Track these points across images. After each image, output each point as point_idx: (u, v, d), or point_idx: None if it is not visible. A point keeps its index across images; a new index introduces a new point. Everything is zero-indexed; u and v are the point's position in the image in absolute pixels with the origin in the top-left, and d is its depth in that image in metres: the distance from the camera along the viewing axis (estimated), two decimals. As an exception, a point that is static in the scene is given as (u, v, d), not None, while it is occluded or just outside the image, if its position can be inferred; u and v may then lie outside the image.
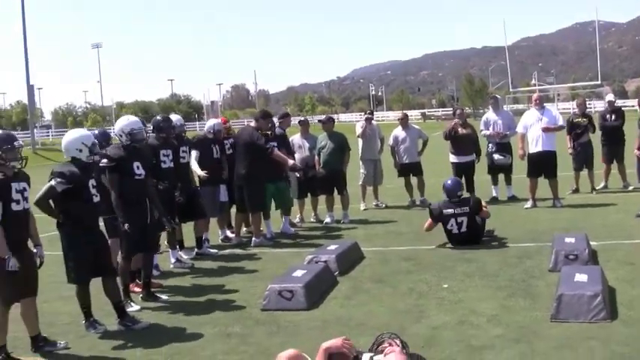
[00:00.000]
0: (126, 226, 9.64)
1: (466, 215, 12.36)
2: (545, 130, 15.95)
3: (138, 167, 9.87)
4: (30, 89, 68.46)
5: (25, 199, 7.82)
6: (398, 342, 6.15)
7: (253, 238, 13.92)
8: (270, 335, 8.18)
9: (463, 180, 17.30)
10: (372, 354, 5.93)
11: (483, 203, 13.12)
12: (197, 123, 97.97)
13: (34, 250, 8.10)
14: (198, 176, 13.34)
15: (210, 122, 14.66)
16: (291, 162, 14.30)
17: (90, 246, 8.58)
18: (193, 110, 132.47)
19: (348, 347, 5.89)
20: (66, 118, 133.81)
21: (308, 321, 8.62)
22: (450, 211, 12.46)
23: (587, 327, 7.65)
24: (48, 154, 53.69)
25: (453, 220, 12.40)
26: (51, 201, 8.40)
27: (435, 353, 6.71)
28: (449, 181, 12.98)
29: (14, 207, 7.65)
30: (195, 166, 13.27)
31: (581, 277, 8.57)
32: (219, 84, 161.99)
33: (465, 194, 12.50)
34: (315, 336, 7.83)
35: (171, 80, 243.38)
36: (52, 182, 8.26)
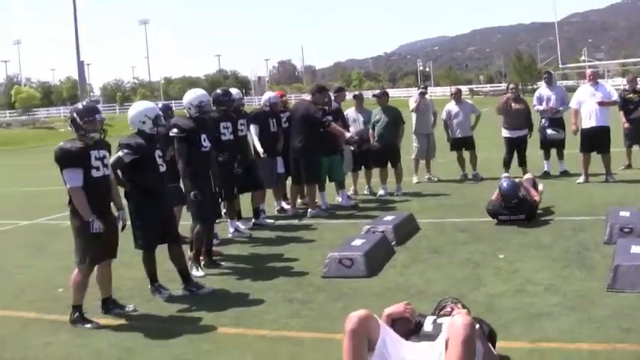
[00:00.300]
0: (192, 194, 9.94)
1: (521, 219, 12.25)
2: (601, 104, 15.98)
3: (204, 139, 10.18)
4: (80, 65, 69.01)
5: (105, 166, 8.15)
6: (460, 306, 6.37)
7: (309, 210, 14.17)
8: (332, 301, 8.42)
9: (515, 155, 17.49)
10: (435, 317, 6.16)
11: (540, 188, 13.19)
12: (244, 98, 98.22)
13: (117, 214, 8.46)
14: (257, 152, 13.58)
15: (266, 95, 14.87)
16: (347, 134, 14.52)
17: (156, 214, 8.88)
18: (241, 86, 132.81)
19: (410, 312, 6.12)
20: (114, 94, 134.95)
21: (368, 288, 8.86)
22: (505, 217, 12.27)
23: (643, 297, 7.80)
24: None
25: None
26: (119, 171, 8.71)
27: (493, 319, 6.90)
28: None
29: (94, 174, 7.97)
30: (256, 142, 13.58)
31: (637, 249, 8.69)
32: (267, 59, 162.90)
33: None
34: (376, 302, 8.06)
35: (219, 56, 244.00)
36: (120, 153, 8.58)
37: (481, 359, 5.55)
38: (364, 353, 5.36)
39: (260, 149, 13.59)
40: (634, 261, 8.24)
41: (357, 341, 5.34)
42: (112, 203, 8.41)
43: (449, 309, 6.36)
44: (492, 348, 5.99)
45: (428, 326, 5.93)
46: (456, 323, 5.22)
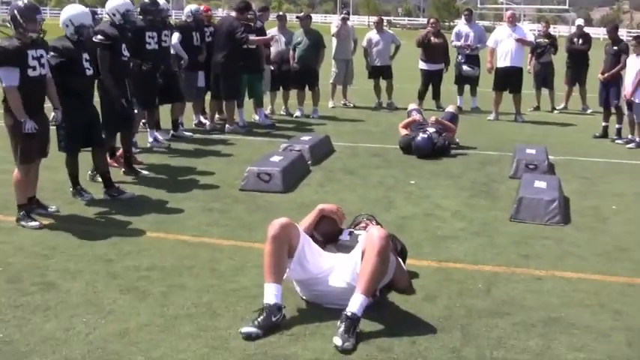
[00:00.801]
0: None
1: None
2: (518, 40, 16.49)
3: (124, 49, 10.19)
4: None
5: (42, 65, 8.11)
6: (374, 222, 6.76)
7: (227, 125, 14.37)
8: (250, 212, 8.76)
9: (430, 87, 17.95)
10: (351, 229, 6.55)
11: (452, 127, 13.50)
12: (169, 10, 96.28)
13: (52, 114, 8.54)
14: (179, 61, 13.67)
15: (189, 7, 14.84)
16: (267, 37, 14.89)
17: (82, 117, 8.96)
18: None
19: (340, 215, 6.51)
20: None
21: (284, 202, 9.22)
22: None
23: (542, 228, 8.35)
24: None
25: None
26: None
27: (404, 239, 7.27)
28: (419, 140, 12.43)
29: (30, 73, 7.93)
30: (178, 48, 13.59)
31: (540, 184, 9.27)
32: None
33: (438, 141, 12.49)
34: (292, 215, 8.26)
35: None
36: (47, 56, 8.57)
37: (393, 271, 5.96)
38: (284, 258, 5.71)
39: (184, 55, 13.63)
40: (536, 194, 8.79)
41: (278, 246, 5.67)
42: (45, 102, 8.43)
43: (364, 224, 6.75)
44: (403, 263, 6.41)
45: (345, 237, 6.31)
46: (372, 235, 5.58)
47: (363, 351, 5.14)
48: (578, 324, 5.70)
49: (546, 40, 19.00)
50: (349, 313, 5.27)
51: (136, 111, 11.05)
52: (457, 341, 5.34)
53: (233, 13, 14.60)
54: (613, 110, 14.88)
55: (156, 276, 6.54)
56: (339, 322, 5.26)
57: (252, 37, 14.08)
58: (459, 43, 18.16)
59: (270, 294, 5.52)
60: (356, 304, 5.33)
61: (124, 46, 10.14)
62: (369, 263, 5.44)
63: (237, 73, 14.18)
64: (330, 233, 6.41)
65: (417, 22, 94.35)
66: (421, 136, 12.41)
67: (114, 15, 10.39)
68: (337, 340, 5.14)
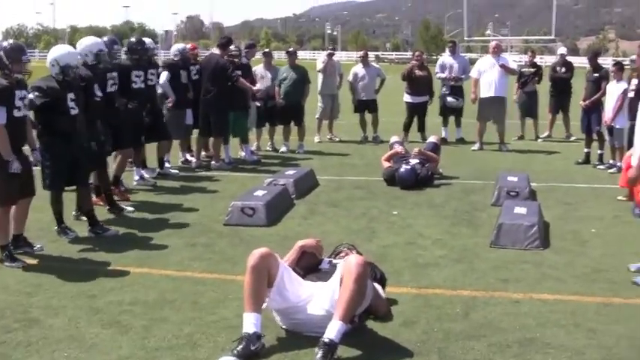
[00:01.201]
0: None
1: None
2: (502, 66, 16.72)
3: (97, 89, 10.09)
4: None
5: (26, 106, 8.27)
6: (354, 252, 6.86)
7: (212, 162, 14.48)
8: (233, 246, 8.84)
9: (415, 119, 18.13)
10: (331, 259, 6.65)
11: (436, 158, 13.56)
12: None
13: (30, 154, 8.64)
14: (166, 99, 13.82)
15: (176, 46, 15.09)
16: (255, 88, 14.89)
17: (66, 156, 9.02)
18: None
19: (319, 249, 6.62)
20: (17, 39, 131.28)
21: (268, 236, 9.30)
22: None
23: (522, 253, 8.48)
24: None
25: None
26: (31, 113, 8.87)
27: (385, 267, 7.37)
28: (402, 171, 12.53)
29: (16, 113, 8.04)
30: (167, 87, 13.79)
31: (520, 210, 9.40)
32: (175, 13, 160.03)
33: (421, 172, 12.62)
34: (275, 248, 8.38)
35: (127, 7, 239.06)
36: (31, 95, 8.58)
37: (371, 297, 6.04)
38: (263, 287, 5.80)
39: (172, 95, 13.81)
40: (516, 220, 8.92)
41: (257, 276, 5.77)
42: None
43: (343, 254, 6.84)
44: (382, 290, 6.50)
45: (324, 265, 6.42)
46: (350, 262, 5.68)
47: (341, 376, 5.22)
48: (554, 343, 5.80)
49: (531, 70, 19.29)
50: (327, 340, 5.35)
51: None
52: (433, 364, 5.43)
53: (217, 51, 14.77)
54: (595, 136, 15.06)
55: (138, 310, 6.61)
56: (316, 349, 5.35)
57: (241, 80, 14.29)
58: (443, 75, 18.34)
59: (249, 323, 5.61)
60: (333, 330, 5.41)
61: (96, 86, 10.12)
62: (347, 289, 5.53)
63: (227, 110, 14.34)
64: (310, 266, 6.52)
65: (405, 56, 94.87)
66: (404, 167, 12.51)
67: (86, 55, 10.46)
68: None
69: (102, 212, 10.28)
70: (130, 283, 7.41)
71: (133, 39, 12.67)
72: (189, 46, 15.63)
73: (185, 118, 14.37)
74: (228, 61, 14.31)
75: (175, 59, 14.41)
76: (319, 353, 5.29)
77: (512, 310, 6.60)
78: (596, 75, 15.45)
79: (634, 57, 12.45)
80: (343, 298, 5.53)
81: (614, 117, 13.56)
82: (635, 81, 12.73)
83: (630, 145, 8.61)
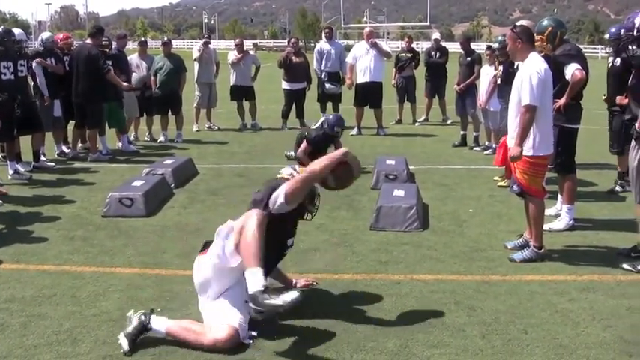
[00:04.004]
0: None
1: None
2: (374, 45, 17.03)
3: None
4: None
5: None
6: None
7: (90, 154, 14.21)
8: (112, 238, 8.68)
9: (294, 106, 18.16)
10: None
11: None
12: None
13: None
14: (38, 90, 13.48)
15: (41, 35, 14.85)
16: (125, 84, 14.65)
17: None
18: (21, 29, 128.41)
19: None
20: None
21: (147, 226, 9.19)
22: None
23: (401, 235, 8.62)
24: None
25: None
26: None
27: (266, 254, 7.37)
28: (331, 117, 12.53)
29: None
30: (42, 82, 13.53)
31: (398, 193, 9.53)
32: (48, 3, 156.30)
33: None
34: (155, 239, 8.53)
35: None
36: None
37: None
38: None
39: (46, 92, 13.55)
40: (395, 202, 9.02)
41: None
42: None
43: None
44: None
45: None
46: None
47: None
48: (435, 322, 5.91)
49: (408, 55, 19.58)
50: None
51: None
52: (318, 348, 5.44)
53: (89, 40, 14.48)
54: (470, 119, 15.37)
55: (15, 307, 6.42)
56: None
57: (112, 73, 14.06)
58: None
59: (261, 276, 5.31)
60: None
61: None
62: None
63: (100, 101, 14.06)
64: None
65: (283, 44, 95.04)
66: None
67: None
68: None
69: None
70: (6, 280, 7.18)
71: (0, 29, 12.30)
72: (61, 36, 15.29)
73: (53, 109, 14.03)
74: (100, 51, 14.04)
75: (40, 50, 14.07)
76: None
77: (393, 291, 6.67)
78: (468, 59, 15.75)
79: (500, 38, 12.68)
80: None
81: (487, 100, 13.84)
82: (501, 67, 12.96)
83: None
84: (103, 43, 14.63)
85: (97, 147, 14.31)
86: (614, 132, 10.89)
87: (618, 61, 10.54)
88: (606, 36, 11.29)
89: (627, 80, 9.05)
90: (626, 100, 9.48)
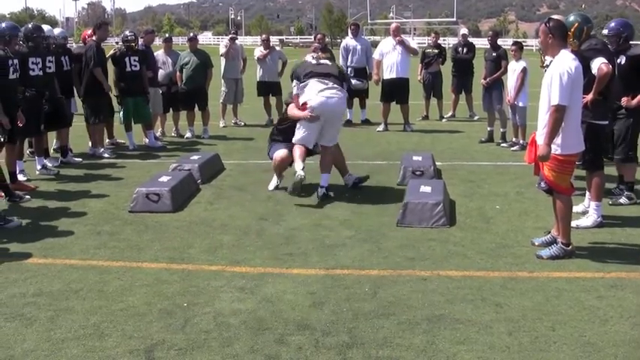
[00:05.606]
0: None
1: None
2: (401, 42, 16.92)
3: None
4: None
5: None
6: None
7: (92, 148, 14.40)
8: (139, 233, 8.70)
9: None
10: None
11: None
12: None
13: None
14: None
15: (54, 31, 14.59)
16: (106, 84, 14.26)
17: None
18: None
19: None
20: None
21: (174, 221, 9.19)
22: None
23: (428, 231, 8.58)
24: None
25: None
26: None
27: (292, 249, 7.42)
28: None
29: None
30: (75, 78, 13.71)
31: (425, 189, 9.48)
32: (76, 0, 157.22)
33: None
34: (182, 234, 8.55)
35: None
36: None
37: None
38: None
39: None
40: (421, 199, 8.98)
41: None
42: None
43: None
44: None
45: None
46: None
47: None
48: (462, 319, 5.87)
49: (434, 51, 19.51)
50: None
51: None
52: (344, 343, 5.43)
53: (94, 37, 14.45)
54: (497, 115, 15.29)
55: (42, 302, 6.45)
56: None
57: (97, 70, 13.93)
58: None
59: None
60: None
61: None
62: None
63: (98, 96, 14.10)
64: None
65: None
66: None
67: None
68: None
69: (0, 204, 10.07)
70: (34, 275, 7.23)
71: (29, 25, 12.35)
72: (89, 32, 15.28)
73: (70, 106, 13.97)
74: (125, 46, 14.14)
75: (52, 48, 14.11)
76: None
77: (419, 287, 6.65)
78: (494, 54, 15.67)
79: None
80: None
81: (516, 95, 13.76)
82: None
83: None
84: (129, 38, 14.67)
85: (97, 142, 14.41)
86: (619, 137, 9.82)
87: (623, 59, 9.90)
88: (604, 31, 10.24)
89: (633, 80, 9.00)
90: (634, 102, 9.39)
